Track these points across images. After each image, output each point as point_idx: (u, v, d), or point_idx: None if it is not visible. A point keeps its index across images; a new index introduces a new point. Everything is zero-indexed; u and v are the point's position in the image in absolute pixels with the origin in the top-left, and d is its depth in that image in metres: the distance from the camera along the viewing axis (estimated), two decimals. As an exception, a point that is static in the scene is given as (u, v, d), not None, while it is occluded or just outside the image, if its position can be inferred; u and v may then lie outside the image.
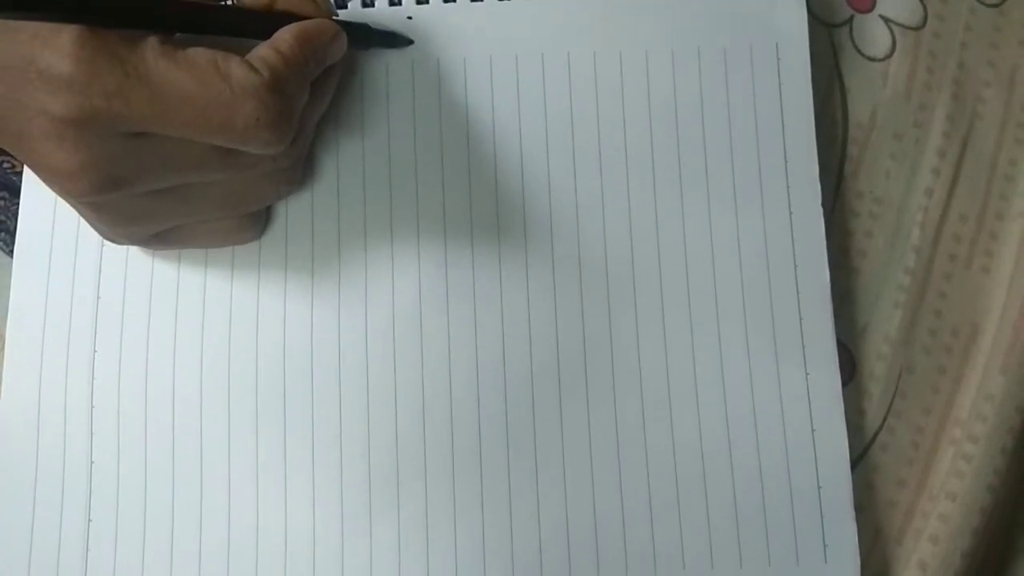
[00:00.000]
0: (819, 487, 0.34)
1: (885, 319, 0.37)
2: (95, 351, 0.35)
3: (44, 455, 0.34)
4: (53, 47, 0.26)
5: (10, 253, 0.36)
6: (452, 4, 0.37)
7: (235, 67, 0.27)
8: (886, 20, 0.40)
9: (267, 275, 0.36)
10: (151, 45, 0.27)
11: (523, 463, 0.34)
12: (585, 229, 0.36)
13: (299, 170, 0.35)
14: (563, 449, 0.34)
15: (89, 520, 0.34)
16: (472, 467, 0.34)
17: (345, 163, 0.36)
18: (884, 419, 0.36)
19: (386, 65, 0.37)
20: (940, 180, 0.38)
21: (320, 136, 0.36)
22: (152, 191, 0.29)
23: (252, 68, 0.28)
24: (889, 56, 0.39)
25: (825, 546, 0.34)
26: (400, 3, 0.37)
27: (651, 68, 0.37)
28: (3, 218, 0.37)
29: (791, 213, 0.36)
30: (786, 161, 0.36)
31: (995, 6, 0.40)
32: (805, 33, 0.37)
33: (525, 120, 0.37)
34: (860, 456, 0.36)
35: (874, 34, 0.39)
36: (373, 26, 0.36)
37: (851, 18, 0.40)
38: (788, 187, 0.36)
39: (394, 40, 0.37)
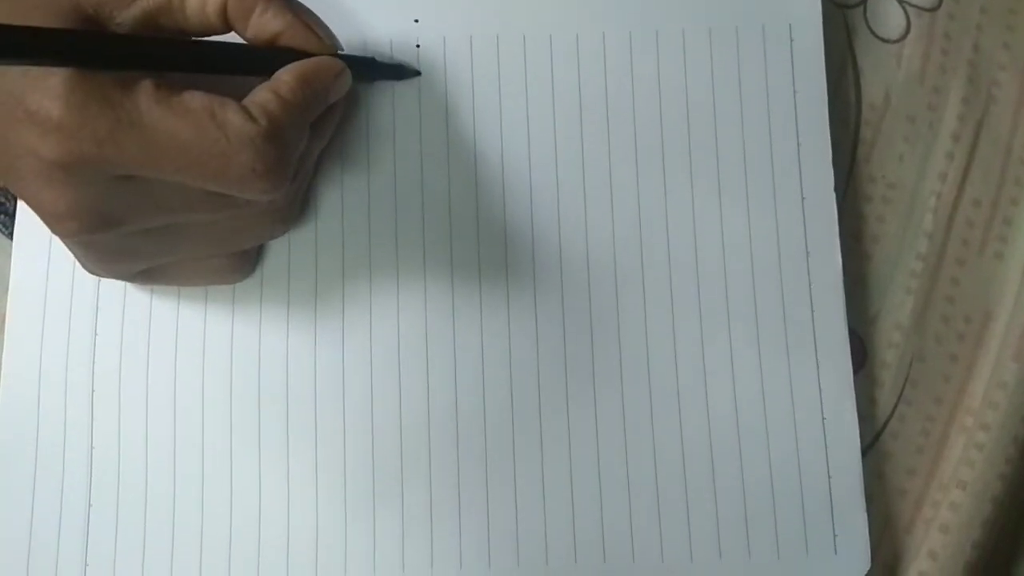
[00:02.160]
0: (829, 477, 0.34)
1: (897, 306, 0.36)
2: (96, 333, 0.35)
3: (44, 438, 0.34)
4: (43, 89, 0.25)
5: (10, 235, 0.36)
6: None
7: (231, 115, 0.26)
8: (901, 1, 0.39)
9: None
10: (145, 89, 0.26)
11: (529, 453, 0.34)
12: (593, 214, 0.35)
13: (295, 208, 0.34)
14: (569, 439, 0.34)
15: (89, 504, 0.34)
16: (478, 457, 0.34)
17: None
18: (895, 407, 0.36)
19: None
20: (954, 164, 0.38)
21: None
22: (142, 230, 0.29)
23: (249, 116, 0.27)
24: (903, 38, 0.39)
25: (835, 536, 0.34)
26: None
27: (661, 49, 0.36)
28: (3, 200, 0.37)
29: (803, 198, 0.35)
30: (799, 144, 0.36)
31: (1011, -13, 0.39)
32: (819, 14, 0.36)
33: (532, 106, 0.36)
34: (870, 444, 0.35)
35: (888, 15, 0.39)
36: (379, 59, 0.35)
37: (865, -1, 0.39)
38: (800, 171, 0.36)
39: (401, 72, 0.36)
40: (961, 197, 0.37)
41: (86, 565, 0.33)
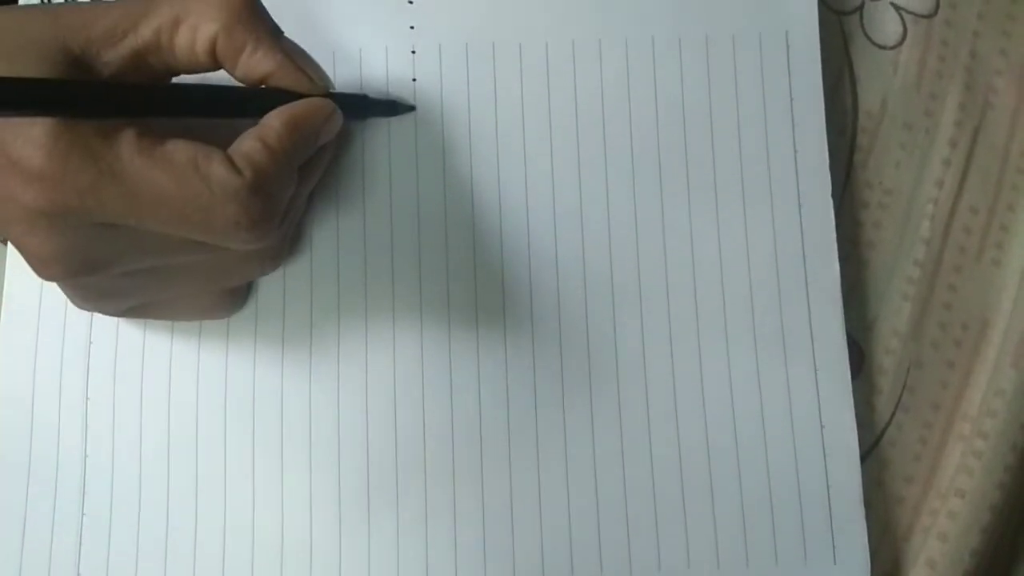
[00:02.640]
0: (828, 485, 0.34)
1: (894, 312, 0.36)
2: (91, 342, 0.35)
3: (38, 448, 0.34)
4: (26, 138, 0.25)
5: (5, 242, 0.35)
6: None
7: (216, 167, 0.26)
8: (897, 8, 0.39)
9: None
10: (128, 140, 0.26)
11: (525, 462, 0.34)
12: (589, 221, 0.35)
13: (285, 247, 0.34)
14: (566, 447, 0.34)
15: (83, 514, 0.34)
16: (473, 465, 0.34)
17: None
18: (892, 414, 0.36)
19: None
20: (951, 171, 0.38)
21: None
22: (127, 272, 0.28)
23: (234, 168, 0.26)
24: (900, 44, 0.39)
25: (834, 545, 0.33)
26: None
27: (657, 55, 0.36)
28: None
29: (800, 204, 0.35)
30: (795, 151, 0.36)
31: (1008, -6, 0.40)
32: (815, 21, 0.36)
33: (528, 120, 0.36)
34: (868, 452, 0.35)
35: (885, 22, 0.39)
36: (372, 96, 0.35)
37: (862, 5, 0.39)
38: (797, 177, 0.36)
39: (395, 108, 0.35)
40: (958, 204, 0.37)
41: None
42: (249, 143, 0.27)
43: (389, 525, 0.33)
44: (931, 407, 0.36)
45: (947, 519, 0.34)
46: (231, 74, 0.29)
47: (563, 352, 0.34)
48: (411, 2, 0.36)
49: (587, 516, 0.34)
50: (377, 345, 0.34)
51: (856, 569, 0.33)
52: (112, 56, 0.27)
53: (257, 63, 0.29)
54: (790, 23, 0.36)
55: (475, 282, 0.35)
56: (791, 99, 0.36)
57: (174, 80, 0.30)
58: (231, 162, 0.26)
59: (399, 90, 0.36)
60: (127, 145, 0.25)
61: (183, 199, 0.26)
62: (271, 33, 0.29)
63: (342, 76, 0.36)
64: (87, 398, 0.34)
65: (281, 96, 0.29)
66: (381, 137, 0.35)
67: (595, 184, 0.35)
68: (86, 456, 0.34)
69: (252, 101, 0.29)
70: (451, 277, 0.35)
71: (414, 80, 0.36)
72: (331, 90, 0.31)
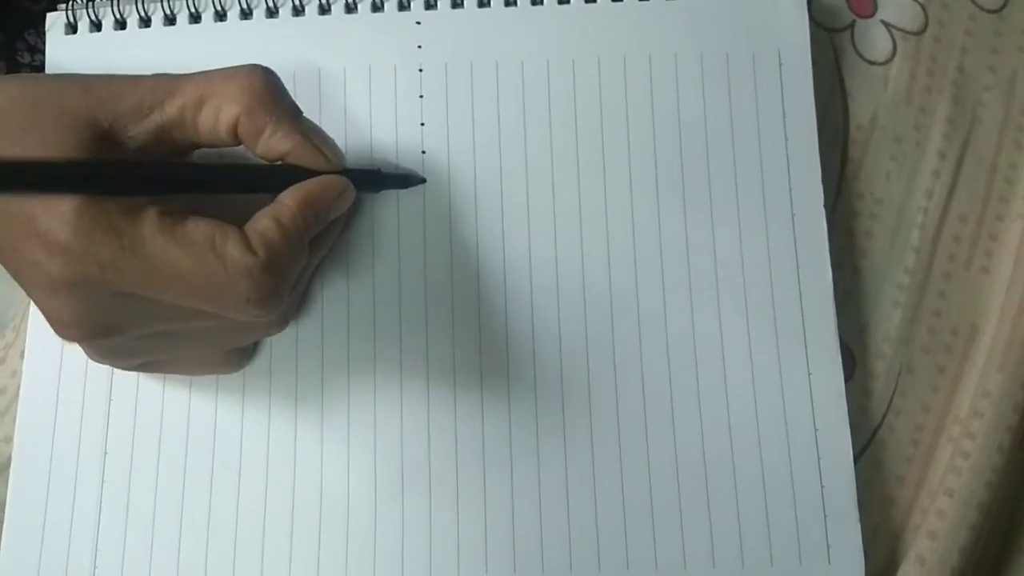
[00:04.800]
0: (822, 487, 0.34)
1: (885, 318, 0.37)
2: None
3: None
4: (53, 212, 0.26)
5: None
6: (459, 11, 0.38)
7: (231, 247, 0.27)
8: (887, 25, 0.40)
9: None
10: (150, 219, 0.27)
11: (525, 464, 0.35)
12: (588, 233, 0.36)
13: (292, 311, 0.35)
14: (565, 450, 0.35)
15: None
16: (475, 467, 0.35)
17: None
18: (883, 417, 0.36)
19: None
20: (940, 182, 0.39)
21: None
22: (141, 335, 0.30)
23: (248, 248, 0.28)
24: (890, 60, 0.40)
25: (828, 546, 0.34)
26: (409, 6, 0.38)
27: (654, 73, 0.37)
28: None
29: (793, 215, 0.36)
30: (788, 164, 0.37)
31: (995, 11, 0.41)
32: (807, 39, 0.38)
33: (531, 129, 0.37)
34: (859, 454, 0.36)
35: (875, 39, 0.40)
36: (384, 170, 0.36)
37: (852, 23, 0.40)
38: (790, 189, 0.37)
39: (406, 181, 0.36)
40: (947, 213, 0.38)
41: None
42: (264, 222, 0.29)
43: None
44: (922, 410, 0.37)
45: (936, 517, 0.35)
46: (251, 152, 0.30)
47: (562, 357, 0.35)
48: (419, 23, 0.38)
49: (585, 518, 0.34)
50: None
51: (851, 569, 0.34)
52: (138, 130, 0.28)
53: (276, 144, 0.30)
54: (782, 41, 0.38)
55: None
56: (784, 114, 0.37)
57: (196, 152, 0.31)
58: (246, 241, 0.28)
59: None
60: (149, 224, 0.27)
61: (198, 276, 0.27)
62: (290, 115, 0.30)
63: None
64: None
65: (298, 173, 0.31)
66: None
67: (594, 195, 0.37)
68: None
69: (270, 178, 0.31)
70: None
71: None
72: (344, 167, 0.32)
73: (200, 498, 0.35)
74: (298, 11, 0.38)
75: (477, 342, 0.36)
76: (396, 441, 0.35)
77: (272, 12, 0.38)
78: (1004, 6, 0.41)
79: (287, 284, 0.29)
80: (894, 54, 0.40)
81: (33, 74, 0.35)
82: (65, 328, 0.28)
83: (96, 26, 0.38)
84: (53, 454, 0.35)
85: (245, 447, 0.35)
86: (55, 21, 0.38)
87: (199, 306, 0.28)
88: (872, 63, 0.40)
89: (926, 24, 0.40)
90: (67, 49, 0.38)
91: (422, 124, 0.37)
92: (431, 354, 0.35)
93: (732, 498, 0.34)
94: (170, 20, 0.38)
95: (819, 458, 0.35)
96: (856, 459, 0.35)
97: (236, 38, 0.38)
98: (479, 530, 0.34)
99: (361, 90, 0.37)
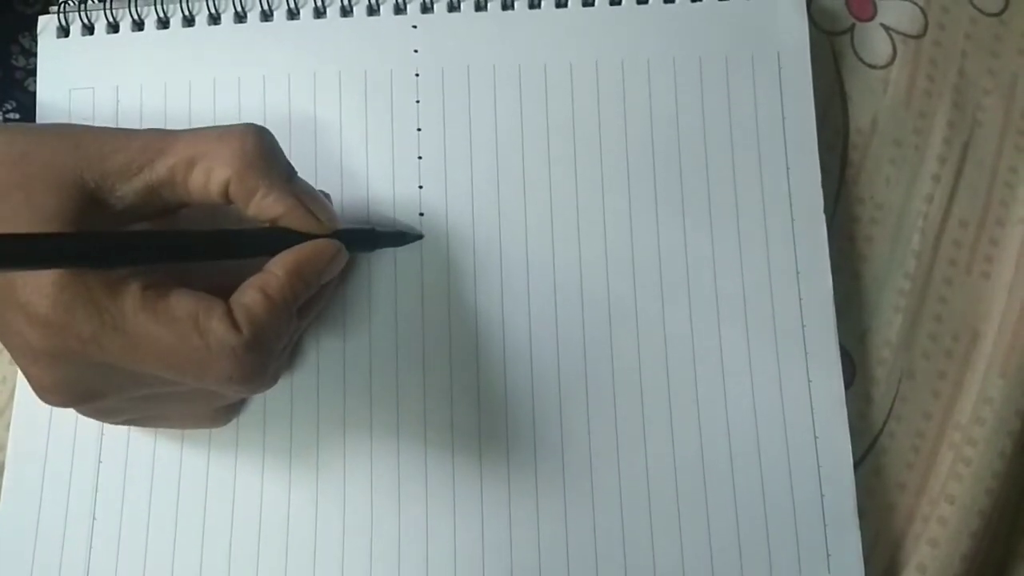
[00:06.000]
0: (822, 495, 0.34)
1: (885, 324, 0.37)
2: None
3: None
4: (34, 285, 0.26)
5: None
6: (456, 15, 0.38)
7: (215, 323, 0.27)
8: (887, 28, 0.40)
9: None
10: (132, 294, 0.26)
11: (522, 473, 0.34)
12: (585, 235, 0.36)
13: (279, 372, 0.33)
14: (563, 459, 0.35)
15: (93, 518, 0.35)
16: (472, 475, 0.35)
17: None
18: (884, 423, 0.36)
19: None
20: (940, 186, 0.38)
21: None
22: (124, 399, 0.29)
23: (232, 324, 0.27)
24: (890, 64, 0.40)
25: (828, 555, 0.34)
26: (405, 10, 0.38)
27: (653, 77, 0.37)
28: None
29: (793, 220, 0.36)
30: (788, 168, 0.37)
31: (995, 15, 0.40)
32: (806, 42, 0.37)
33: (528, 134, 0.37)
34: (860, 460, 0.36)
35: (875, 42, 0.40)
36: (380, 228, 0.35)
37: (852, 26, 0.40)
38: (790, 194, 0.36)
39: (403, 239, 0.36)
40: (948, 218, 0.38)
41: None
42: (251, 294, 0.28)
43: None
44: (923, 416, 0.37)
45: (937, 525, 0.35)
46: (243, 213, 0.30)
47: (560, 364, 0.35)
48: (415, 27, 0.37)
49: (583, 528, 0.34)
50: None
51: None
52: (126, 190, 0.28)
53: (268, 206, 0.29)
54: (781, 44, 0.37)
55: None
56: (783, 117, 0.37)
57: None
58: (231, 317, 0.27)
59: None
60: (131, 299, 0.26)
61: (180, 353, 0.26)
62: (283, 178, 0.29)
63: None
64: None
65: (289, 236, 0.30)
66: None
67: (592, 197, 0.36)
68: (100, 461, 0.35)
69: (259, 242, 0.30)
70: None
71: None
72: (338, 228, 0.31)
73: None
74: (293, 14, 0.38)
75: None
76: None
77: (267, 15, 0.38)
78: (1004, 9, 0.41)
79: (272, 359, 0.28)
80: (894, 58, 0.40)
81: (22, 125, 0.34)
82: (47, 394, 0.28)
83: (89, 29, 0.38)
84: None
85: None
86: (47, 24, 0.38)
87: (182, 381, 0.27)
88: (872, 67, 0.40)
89: (926, 28, 0.40)
90: (59, 52, 0.38)
91: (419, 129, 0.37)
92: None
93: (731, 506, 0.34)
94: (163, 23, 0.38)
95: (819, 466, 0.35)
96: (857, 466, 0.35)
97: (230, 42, 0.38)
98: (476, 545, 0.34)
99: (357, 94, 0.37)
